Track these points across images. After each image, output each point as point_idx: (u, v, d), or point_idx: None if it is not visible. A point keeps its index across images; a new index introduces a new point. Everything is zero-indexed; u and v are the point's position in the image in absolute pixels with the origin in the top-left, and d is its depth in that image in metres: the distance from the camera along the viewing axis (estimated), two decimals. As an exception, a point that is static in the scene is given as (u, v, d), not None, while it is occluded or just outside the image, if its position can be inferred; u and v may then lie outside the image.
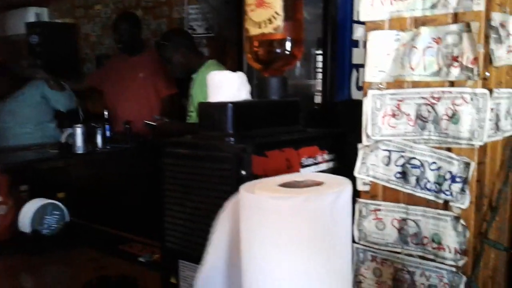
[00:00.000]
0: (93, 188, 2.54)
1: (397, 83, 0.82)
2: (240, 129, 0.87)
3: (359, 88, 1.64)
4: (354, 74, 1.69)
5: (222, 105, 0.87)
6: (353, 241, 0.90)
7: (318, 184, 0.64)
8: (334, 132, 1.04)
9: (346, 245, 0.63)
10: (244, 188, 0.64)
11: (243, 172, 0.80)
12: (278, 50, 0.95)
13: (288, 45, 0.94)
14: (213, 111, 0.89)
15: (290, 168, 0.92)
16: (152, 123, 2.90)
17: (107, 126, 3.03)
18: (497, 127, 0.82)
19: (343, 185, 0.61)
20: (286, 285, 0.59)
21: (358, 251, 0.89)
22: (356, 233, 0.89)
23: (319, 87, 1.73)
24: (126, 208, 2.47)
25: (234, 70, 0.96)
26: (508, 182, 0.87)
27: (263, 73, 0.96)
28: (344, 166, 1.04)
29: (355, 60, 1.69)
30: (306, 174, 0.70)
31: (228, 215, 0.68)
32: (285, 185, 0.66)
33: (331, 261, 0.60)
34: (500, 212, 0.91)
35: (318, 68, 1.75)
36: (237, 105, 0.88)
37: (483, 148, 0.78)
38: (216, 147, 0.85)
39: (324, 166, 1.01)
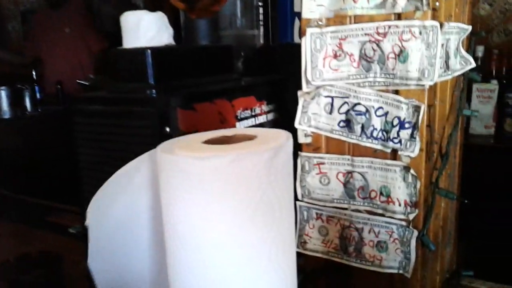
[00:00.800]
0: (22, 156, 2.34)
1: (338, 19, 0.71)
2: (162, 79, 0.75)
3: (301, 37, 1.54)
4: (296, 23, 1.61)
5: (139, 51, 0.74)
6: (296, 199, 0.82)
7: (252, 139, 0.54)
8: (273, 79, 0.94)
9: (287, 207, 0.54)
10: (162, 148, 0.53)
11: (168, 129, 0.69)
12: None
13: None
14: (129, 59, 0.77)
15: (224, 122, 0.82)
16: (86, 82, 2.69)
17: (36, 87, 2.79)
18: (447, 66, 0.74)
19: (281, 140, 0.52)
20: (219, 259, 0.50)
21: (302, 209, 0.82)
22: (299, 190, 0.81)
23: (260, 36, 1.63)
24: (59, 176, 2.30)
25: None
26: (458, 126, 0.81)
27: (189, 15, 0.84)
28: (286, 117, 0.94)
29: (297, 8, 1.60)
30: (238, 128, 0.60)
31: (144, 177, 0.57)
32: (212, 142, 0.55)
33: (270, 226, 0.51)
34: (450, 159, 0.85)
35: (259, 17, 1.64)
36: (158, 51, 0.75)
37: (432, 89, 0.70)
38: (134, 101, 0.73)
39: (263, 118, 0.92)
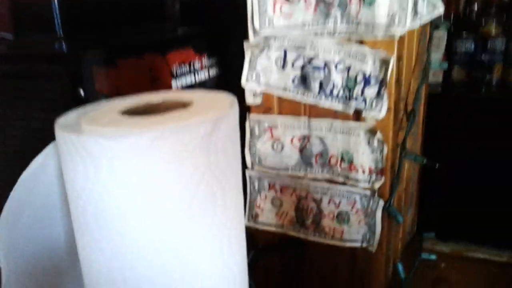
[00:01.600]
0: None
1: (291, -48, 0.59)
2: (74, 30, 0.59)
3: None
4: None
5: (42, -5, 0.58)
6: (246, 167, 0.72)
7: (186, 106, 0.41)
8: (214, 29, 0.80)
9: (234, 191, 0.43)
10: (63, 123, 0.40)
11: (82, 92, 0.55)
12: None
13: None
14: (31, 7, 0.60)
15: (156, 81, 0.68)
16: None
17: None
18: (415, 12, 0.64)
19: (223, 108, 0.40)
20: (150, 257, 0.39)
21: (252, 179, 0.71)
22: (248, 158, 0.70)
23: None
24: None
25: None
26: (425, 80, 0.72)
27: None
28: (231, 73, 0.83)
29: None
30: (168, 92, 0.47)
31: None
32: (133, 111, 0.43)
33: (211, 217, 0.41)
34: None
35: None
36: (67, -6, 0.59)
37: (401, 40, 0.60)
38: (39, 58, 0.58)
39: (203, 74, 0.79)
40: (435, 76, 2.09)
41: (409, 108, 0.69)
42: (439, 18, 0.72)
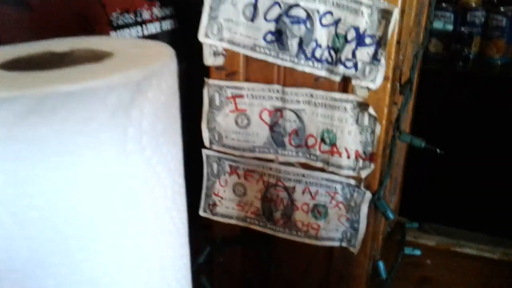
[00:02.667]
0: None
1: None
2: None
3: None
4: None
5: None
6: (203, 147, 0.58)
7: (103, 58, 0.26)
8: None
9: (173, 176, 0.29)
10: None
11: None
12: None
13: None
14: None
15: (89, 31, 0.53)
16: None
17: None
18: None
19: (155, 61, 0.25)
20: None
21: (210, 160, 0.58)
22: (206, 134, 0.56)
23: None
24: None
25: None
26: (424, 44, 0.59)
27: None
28: (190, 27, 0.67)
29: None
30: (83, 39, 0.32)
31: None
32: (27, 63, 0.28)
33: (137, 211, 0.27)
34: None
35: None
36: None
37: (406, -13, 0.47)
38: None
39: (155, 27, 0.64)
40: (412, 48, 1.98)
41: (404, 78, 0.56)
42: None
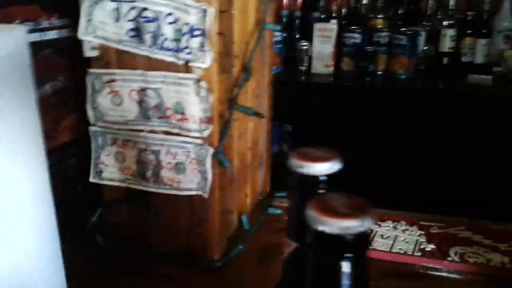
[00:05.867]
0: None
1: None
2: None
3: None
4: None
5: None
6: (89, 124, 0.73)
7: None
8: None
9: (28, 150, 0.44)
10: None
11: None
12: None
13: None
14: None
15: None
16: None
17: None
18: (246, -28, 0.69)
19: None
20: None
21: (96, 135, 0.73)
22: (90, 113, 0.72)
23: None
24: None
25: None
26: (260, 41, 0.77)
27: None
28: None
29: None
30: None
31: None
32: None
33: None
34: (257, 78, 0.82)
35: None
36: None
37: (229, -5, 0.65)
38: None
39: (53, 34, 0.79)
40: (327, 67, 2.21)
41: (245, 66, 0.74)
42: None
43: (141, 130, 0.70)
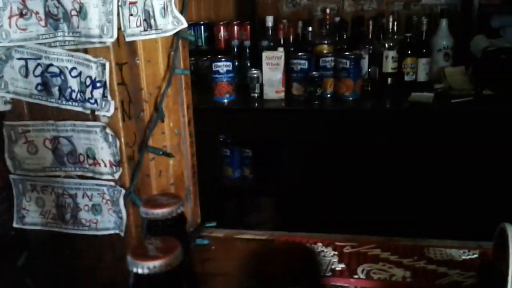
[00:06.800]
0: None
1: (15, -27, 0.67)
2: None
3: None
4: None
5: None
6: (10, 172, 0.77)
7: None
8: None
9: None
10: None
11: None
12: None
13: None
14: None
15: None
16: None
17: None
18: (148, 25, 0.75)
19: None
20: None
21: (16, 182, 0.77)
22: (9, 163, 0.76)
23: None
24: None
25: None
26: (172, 84, 0.83)
27: None
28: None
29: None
30: None
31: None
32: None
33: None
34: (176, 117, 0.88)
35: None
36: None
37: (127, 48, 0.70)
38: None
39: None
40: (278, 93, 2.29)
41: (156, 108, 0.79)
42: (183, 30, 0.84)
43: (58, 176, 0.74)
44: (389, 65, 2.19)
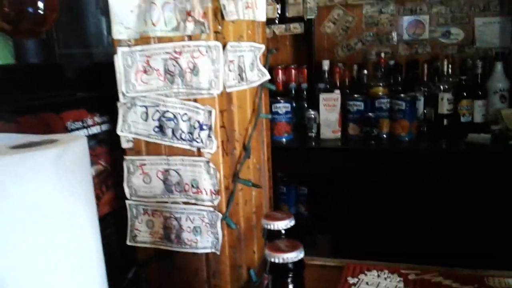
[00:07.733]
0: None
1: (144, 39, 0.84)
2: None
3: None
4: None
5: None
6: (126, 198, 0.93)
7: (52, 142, 0.63)
8: (104, 93, 1.04)
9: (84, 205, 0.63)
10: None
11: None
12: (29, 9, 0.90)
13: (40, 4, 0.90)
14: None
15: (51, 133, 0.89)
16: None
17: None
18: (241, 78, 0.90)
19: (71, 141, 0.62)
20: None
21: (131, 207, 0.92)
22: (127, 190, 0.92)
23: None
24: None
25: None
26: (256, 126, 0.98)
27: (14, 36, 0.91)
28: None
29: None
30: (49, 135, 0.68)
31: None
32: (19, 146, 0.64)
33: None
34: (258, 154, 1.02)
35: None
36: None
37: (226, 97, 0.86)
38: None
39: (96, 129, 1.01)
40: (334, 133, 2.41)
41: (244, 146, 0.94)
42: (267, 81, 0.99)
43: (166, 202, 0.89)
44: (444, 107, 2.26)
